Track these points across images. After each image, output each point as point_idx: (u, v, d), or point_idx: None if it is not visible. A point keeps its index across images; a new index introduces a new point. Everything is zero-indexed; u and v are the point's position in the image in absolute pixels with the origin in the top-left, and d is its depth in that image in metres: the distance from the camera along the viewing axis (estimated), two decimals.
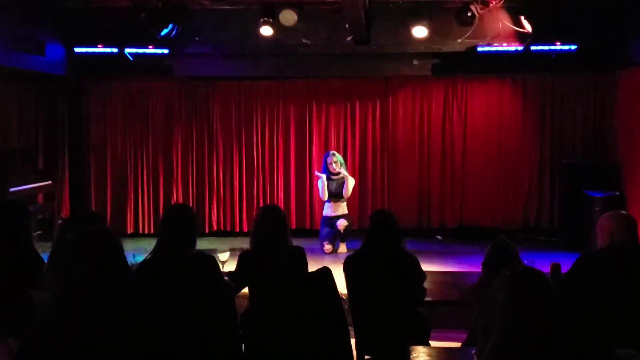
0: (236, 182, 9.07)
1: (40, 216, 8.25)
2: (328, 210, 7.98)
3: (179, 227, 3.58)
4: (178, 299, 3.21)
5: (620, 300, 3.32)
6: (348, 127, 9.00)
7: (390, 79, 8.93)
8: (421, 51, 8.22)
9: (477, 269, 4.10)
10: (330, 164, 7.84)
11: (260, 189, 9.07)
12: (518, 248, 3.93)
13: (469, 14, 7.53)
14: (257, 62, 8.66)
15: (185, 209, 3.85)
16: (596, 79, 8.63)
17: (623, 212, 3.85)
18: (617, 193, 7.64)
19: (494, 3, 7.43)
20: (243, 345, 3.62)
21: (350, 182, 7.89)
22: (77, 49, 8.29)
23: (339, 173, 7.86)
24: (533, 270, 2.34)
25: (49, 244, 3.78)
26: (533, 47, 7.92)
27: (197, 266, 3.54)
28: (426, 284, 4.25)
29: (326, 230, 7.98)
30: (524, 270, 2.40)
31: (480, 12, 7.53)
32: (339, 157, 7.94)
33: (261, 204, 8.66)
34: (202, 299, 3.40)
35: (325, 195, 7.90)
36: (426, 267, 4.34)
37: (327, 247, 7.93)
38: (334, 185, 7.88)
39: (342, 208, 7.98)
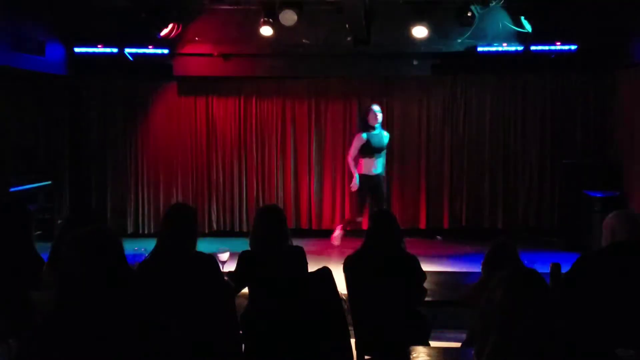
0: (236, 182, 9.06)
1: (40, 216, 8.26)
2: (368, 168, 7.69)
3: (180, 227, 3.59)
4: (178, 299, 3.21)
5: (620, 300, 3.32)
6: (348, 127, 8.99)
7: (390, 79, 8.92)
8: (421, 51, 8.23)
9: (477, 269, 4.10)
10: (376, 114, 7.61)
11: (260, 189, 9.07)
12: (518, 248, 3.93)
13: (469, 14, 7.54)
14: (257, 62, 8.66)
15: (186, 209, 3.85)
16: (596, 79, 8.62)
17: (629, 211, 3.82)
18: (617, 193, 7.64)
19: (494, 3, 7.44)
20: (243, 345, 3.62)
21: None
22: (77, 49, 8.30)
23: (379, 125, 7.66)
24: (529, 270, 2.34)
25: (49, 244, 3.78)
26: (533, 47, 7.93)
27: (197, 266, 3.54)
28: (426, 284, 4.24)
29: (364, 192, 7.64)
30: (520, 270, 2.40)
31: (480, 12, 7.54)
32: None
33: (261, 204, 8.65)
34: (202, 299, 3.40)
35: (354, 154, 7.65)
36: (426, 267, 4.33)
37: (359, 219, 7.73)
38: (375, 139, 7.67)
39: (383, 165, 7.75)
